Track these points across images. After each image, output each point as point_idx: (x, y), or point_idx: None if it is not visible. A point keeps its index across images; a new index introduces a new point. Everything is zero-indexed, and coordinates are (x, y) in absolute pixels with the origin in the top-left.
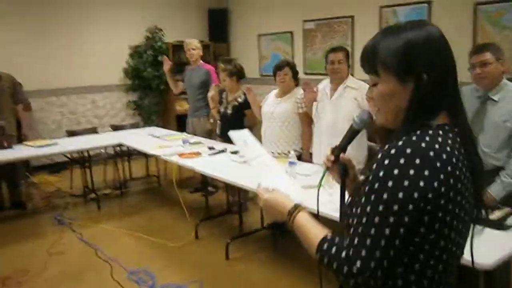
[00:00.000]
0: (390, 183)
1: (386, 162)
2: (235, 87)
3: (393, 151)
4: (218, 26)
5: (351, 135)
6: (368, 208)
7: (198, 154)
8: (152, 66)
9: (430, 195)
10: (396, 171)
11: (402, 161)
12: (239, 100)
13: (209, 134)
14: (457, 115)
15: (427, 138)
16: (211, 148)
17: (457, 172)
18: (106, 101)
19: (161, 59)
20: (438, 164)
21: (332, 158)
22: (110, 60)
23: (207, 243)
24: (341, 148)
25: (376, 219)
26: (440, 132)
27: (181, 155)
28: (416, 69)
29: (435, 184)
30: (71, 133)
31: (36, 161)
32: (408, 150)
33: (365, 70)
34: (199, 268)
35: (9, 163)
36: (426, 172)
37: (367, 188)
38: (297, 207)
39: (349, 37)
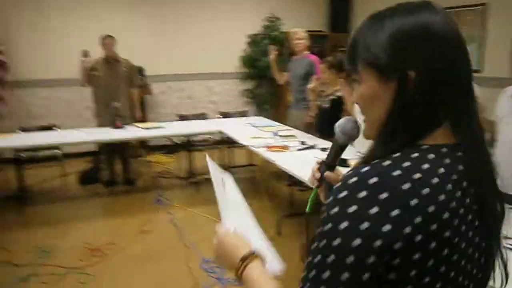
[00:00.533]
0: (344, 225)
1: (343, 194)
2: (335, 80)
3: (353, 180)
4: (340, 16)
5: (336, 150)
6: (318, 258)
7: (286, 148)
8: (267, 55)
9: (398, 245)
10: (353, 208)
11: (363, 194)
12: (338, 94)
13: (308, 128)
14: (464, 131)
15: (406, 164)
16: (303, 143)
17: (446, 215)
18: (221, 88)
19: (274, 48)
20: (414, 202)
21: (318, 175)
22: (228, 48)
23: (288, 241)
24: (327, 165)
25: (326, 274)
26: (432, 155)
27: (269, 147)
28: (401, 65)
29: (407, 229)
30: (181, 117)
31: (153, 141)
32: (373, 180)
33: (347, 68)
34: None
35: (121, 142)
36: (395, 212)
37: (318, 229)
38: (252, 254)
39: (479, 28)
